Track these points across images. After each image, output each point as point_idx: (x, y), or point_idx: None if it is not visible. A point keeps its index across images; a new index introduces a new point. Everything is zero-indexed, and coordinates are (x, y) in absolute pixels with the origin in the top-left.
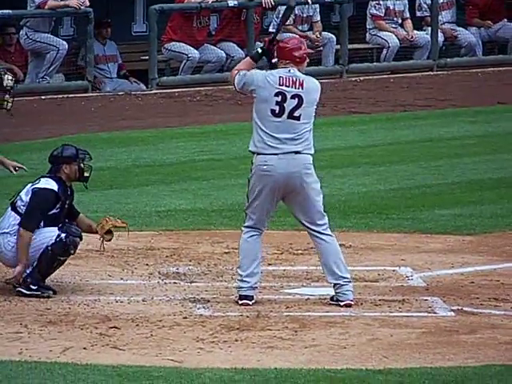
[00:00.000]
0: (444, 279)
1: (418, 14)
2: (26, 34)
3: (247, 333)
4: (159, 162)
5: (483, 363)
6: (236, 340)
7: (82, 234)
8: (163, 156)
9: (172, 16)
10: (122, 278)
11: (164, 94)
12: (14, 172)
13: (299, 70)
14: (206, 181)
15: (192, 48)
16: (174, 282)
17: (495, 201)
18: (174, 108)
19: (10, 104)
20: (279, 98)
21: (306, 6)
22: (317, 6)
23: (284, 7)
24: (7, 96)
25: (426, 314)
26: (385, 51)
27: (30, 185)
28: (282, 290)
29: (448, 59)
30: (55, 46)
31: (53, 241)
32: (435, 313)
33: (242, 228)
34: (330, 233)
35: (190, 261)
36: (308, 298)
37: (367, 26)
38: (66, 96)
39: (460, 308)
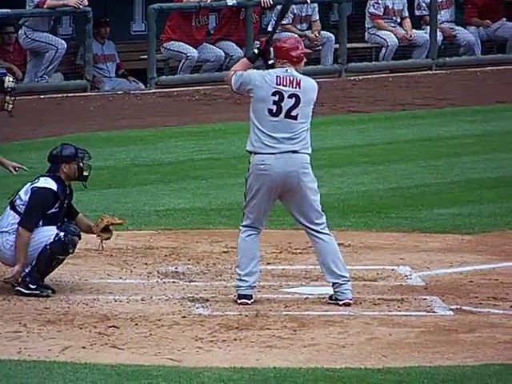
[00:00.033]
0: (443, 278)
1: (417, 13)
2: (25, 33)
3: (246, 332)
4: (158, 161)
5: (482, 362)
6: (235, 339)
7: (81, 233)
8: (162, 155)
9: (171, 15)
10: (120, 277)
11: (163, 94)
12: (14, 172)
13: (296, 70)
14: (205, 180)
15: (191, 47)
16: (173, 282)
17: (494, 200)
18: (172, 107)
19: (11, 105)
20: (276, 98)
21: (305, 5)
22: (315, 5)
23: (280, 7)
24: (8, 97)
25: (424, 313)
26: (384, 50)
27: (29, 184)
28: (280, 289)
29: (447, 58)
30: (54, 45)
31: (51, 240)
32: (434, 312)
33: (240, 227)
34: (328, 232)
35: (189, 260)
36: (307, 297)
37: (366, 25)
38: (64, 95)
39: (459, 307)
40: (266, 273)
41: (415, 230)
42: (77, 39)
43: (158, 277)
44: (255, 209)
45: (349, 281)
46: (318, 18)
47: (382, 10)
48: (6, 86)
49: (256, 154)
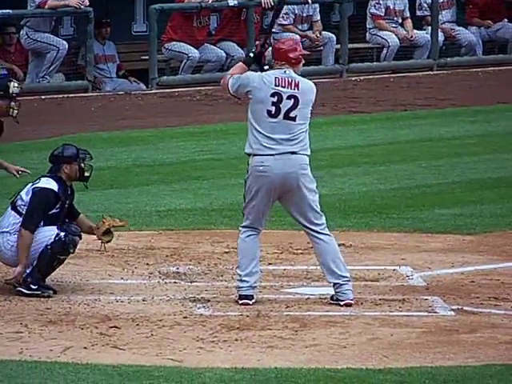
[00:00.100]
0: (444, 278)
1: (418, 13)
2: (27, 33)
3: (247, 332)
4: (159, 161)
5: (483, 363)
6: (236, 339)
7: (82, 234)
8: (163, 156)
9: (172, 16)
10: (122, 278)
11: (164, 94)
12: (18, 175)
13: (295, 71)
14: (206, 180)
15: (192, 48)
16: (175, 282)
17: (495, 200)
18: (174, 108)
19: (16, 111)
20: (275, 99)
21: (306, 5)
22: (317, 5)
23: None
24: (13, 103)
25: (426, 314)
26: (385, 51)
27: (30, 184)
28: (282, 289)
29: (448, 59)
30: (55, 45)
31: (52, 240)
32: (435, 312)
33: (240, 228)
34: (328, 232)
35: (190, 260)
36: (308, 298)
37: (367, 26)
38: (66, 96)
39: (460, 307)
40: (267, 273)
41: (416, 230)
42: (78, 40)
43: (160, 277)
44: (254, 210)
45: (349, 281)
46: (319, 18)
47: (384, 10)
48: (11, 91)
49: (255, 155)
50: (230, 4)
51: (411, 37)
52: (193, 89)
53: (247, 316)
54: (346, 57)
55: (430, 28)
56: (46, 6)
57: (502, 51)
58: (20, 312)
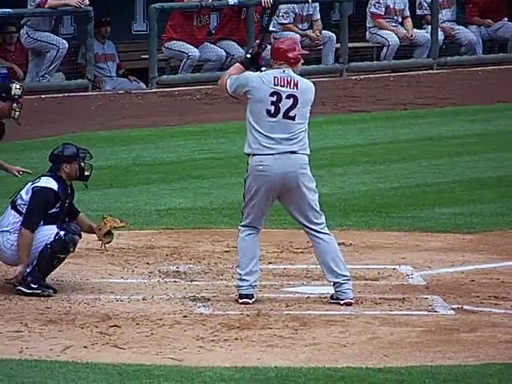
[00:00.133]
0: (444, 278)
1: (419, 12)
2: (27, 32)
3: (247, 331)
4: (159, 160)
5: (483, 362)
6: (236, 338)
7: (82, 233)
8: (163, 155)
9: (172, 15)
10: (122, 277)
11: (164, 93)
12: (19, 175)
13: (293, 71)
14: (206, 179)
15: (192, 47)
16: (175, 281)
17: (495, 199)
18: (174, 107)
19: (17, 113)
20: (274, 98)
21: (306, 4)
22: (317, 4)
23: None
24: (15, 105)
25: (426, 313)
26: (385, 50)
27: (30, 183)
28: (282, 288)
29: (448, 58)
30: (55, 44)
31: (52, 239)
32: (435, 311)
33: (239, 227)
34: (327, 231)
35: (191, 259)
36: (308, 297)
37: (367, 25)
38: (66, 95)
39: (460, 306)
40: (267, 272)
41: (416, 229)
42: (78, 39)
43: (160, 276)
44: (254, 209)
45: (349, 280)
46: (319, 17)
47: (384, 9)
48: (12, 93)
49: (254, 155)
50: (230, 3)
51: (411, 36)
52: (193, 88)
53: (247, 315)
54: (346, 56)
55: (430, 27)
56: (46, 5)
57: (502, 50)
58: (20, 311)
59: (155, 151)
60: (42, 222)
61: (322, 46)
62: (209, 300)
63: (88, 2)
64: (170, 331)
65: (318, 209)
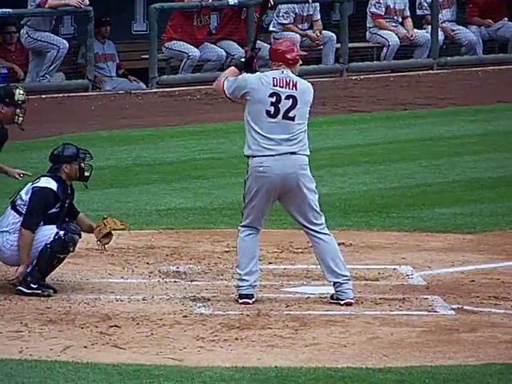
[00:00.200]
0: (444, 278)
1: (419, 12)
2: (27, 32)
3: (247, 331)
4: (159, 160)
5: (483, 362)
6: (236, 338)
7: (82, 233)
8: (163, 155)
9: (172, 15)
10: (122, 277)
11: (164, 93)
12: (20, 178)
13: (292, 72)
14: (207, 179)
15: (192, 47)
16: (175, 281)
17: (495, 199)
18: (174, 107)
19: (21, 118)
20: (274, 99)
21: (307, 4)
22: (317, 4)
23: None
24: (18, 110)
25: (426, 313)
26: (385, 50)
27: (30, 184)
28: (282, 288)
29: (448, 58)
30: (56, 44)
31: (51, 239)
32: (435, 311)
33: (239, 227)
34: (327, 232)
35: (191, 259)
36: (308, 297)
37: (367, 25)
38: (66, 95)
39: (460, 306)
40: (267, 272)
41: (416, 229)
42: (78, 39)
43: (160, 276)
44: (254, 210)
45: (349, 280)
46: (319, 17)
47: (384, 9)
48: (16, 98)
49: (254, 157)
50: (231, 3)
51: (411, 36)
52: (193, 88)
53: (247, 315)
54: (346, 56)
55: (430, 27)
56: (47, 5)
57: (502, 50)
58: (20, 311)
59: (155, 151)
60: (41, 223)
61: (322, 46)
62: (209, 300)
63: (88, 2)
64: (170, 331)
65: (318, 209)
